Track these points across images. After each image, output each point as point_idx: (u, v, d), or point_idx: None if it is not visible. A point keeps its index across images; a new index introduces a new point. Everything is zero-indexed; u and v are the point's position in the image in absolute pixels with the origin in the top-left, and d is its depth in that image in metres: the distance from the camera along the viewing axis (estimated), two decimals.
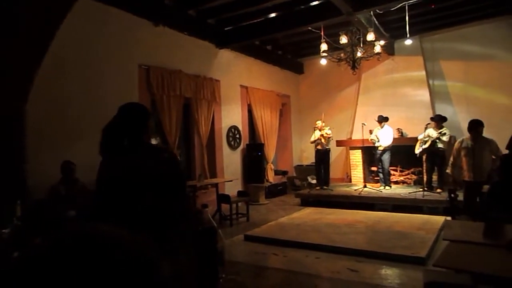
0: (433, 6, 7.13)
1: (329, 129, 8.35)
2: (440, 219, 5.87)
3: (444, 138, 7.07)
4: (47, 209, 3.81)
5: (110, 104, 5.61)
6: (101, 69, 5.63)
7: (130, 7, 6.02)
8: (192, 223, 2.05)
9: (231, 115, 8.59)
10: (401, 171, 8.84)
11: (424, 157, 7.47)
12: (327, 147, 8.41)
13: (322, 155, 8.43)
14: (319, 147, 8.41)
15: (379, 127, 7.99)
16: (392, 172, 8.57)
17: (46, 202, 4.16)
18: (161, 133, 6.84)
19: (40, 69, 4.11)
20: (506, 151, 4.19)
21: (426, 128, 7.22)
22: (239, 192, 7.30)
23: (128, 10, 6.01)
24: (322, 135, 8.29)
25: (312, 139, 8.51)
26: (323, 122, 8.38)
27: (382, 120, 7.93)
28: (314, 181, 9.35)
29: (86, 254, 0.48)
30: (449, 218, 5.27)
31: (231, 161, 8.49)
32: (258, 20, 7.46)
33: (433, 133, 7.12)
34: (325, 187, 8.44)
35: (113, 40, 5.84)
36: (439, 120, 7.21)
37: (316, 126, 8.40)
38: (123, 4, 5.91)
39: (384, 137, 7.87)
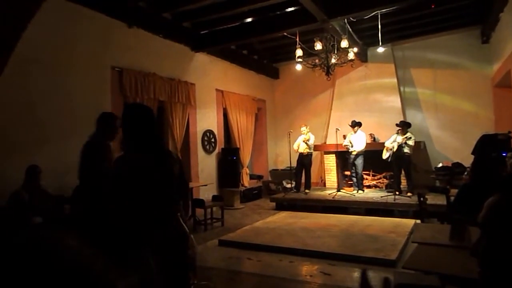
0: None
1: (309, 133, 8.46)
2: (410, 222, 6.03)
3: (410, 142, 7.31)
4: (8, 217, 3.64)
5: (80, 107, 5.52)
6: (71, 71, 5.46)
7: (103, 8, 5.89)
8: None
9: (206, 119, 8.54)
10: (373, 176, 9.03)
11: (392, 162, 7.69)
12: (310, 151, 8.50)
13: (304, 159, 8.48)
14: (300, 151, 8.48)
15: (353, 132, 8.15)
16: (364, 176, 8.74)
17: (8, 209, 3.97)
18: None
19: (4, 70, 3.94)
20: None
21: (397, 134, 7.45)
22: (213, 196, 7.25)
23: (101, 11, 5.87)
24: (304, 140, 8.39)
25: (295, 147, 8.56)
26: (307, 127, 8.49)
27: (356, 125, 8.10)
28: (289, 185, 9.41)
29: (31, 262, 0.47)
30: (418, 221, 5.43)
31: (206, 165, 8.41)
32: (234, 24, 7.46)
33: (399, 138, 7.36)
34: (306, 190, 8.52)
35: (85, 41, 5.68)
36: (403, 126, 7.45)
37: (303, 131, 8.48)
38: (96, 4, 5.77)
39: (358, 142, 8.03)
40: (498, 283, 0.78)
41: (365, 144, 8.05)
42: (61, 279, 0.49)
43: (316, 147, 9.55)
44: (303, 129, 8.47)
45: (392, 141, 7.44)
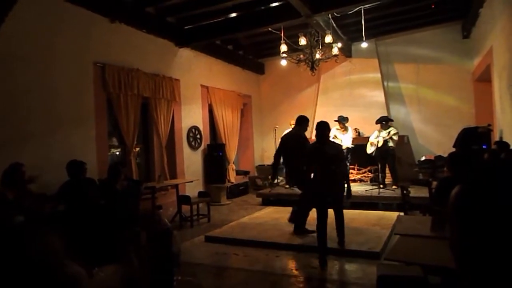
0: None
1: None
2: (394, 214, 6.08)
3: (395, 137, 7.44)
4: None
5: (62, 104, 5.43)
6: (53, 67, 5.34)
7: (85, 2, 5.77)
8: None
9: (192, 115, 8.48)
10: (358, 170, 9.13)
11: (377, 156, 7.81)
12: None
13: None
14: None
15: (338, 127, 8.22)
16: (349, 170, 8.83)
17: None
18: (118, 133, 6.62)
19: None
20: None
21: (380, 130, 7.59)
22: (200, 193, 7.22)
23: (82, 5, 5.75)
24: None
25: None
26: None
27: (344, 120, 8.19)
28: (275, 181, 9.42)
29: None
30: (402, 213, 5.52)
31: (191, 162, 8.37)
32: (219, 19, 7.41)
33: (383, 133, 7.47)
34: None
35: (66, 36, 5.56)
36: (382, 122, 7.60)
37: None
38: None
39: (347, 138, 8.13)
40: (473, 273, 0.81)
41: (351, 139, 8.17)
42: (38, 277, 0.49)
43: None
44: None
45: (376, 136, 7.57)
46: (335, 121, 8.22)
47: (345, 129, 8.14)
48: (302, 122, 5.66)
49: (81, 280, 0.51)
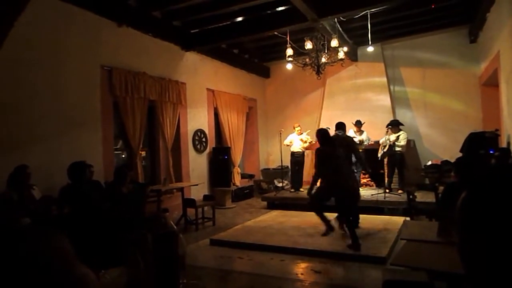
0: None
1: (307, 134, 8.51)
2: (400, 219, 6.07)
3: (401, 142, 7.39)
4: None
5: (69, 107, 5.47)
6: (61, 70, 5.40)
7: (92, 6, 5.83)
8: None
9: (197, 118, 8.51)
10: (363, 174, 9.08)
11: (385, 160, 7.77)
12: (303, 150, 8.55)
13: (299, 158, 8.47)
14: (295, 150, 8.49)
15: (355, 130, 8.30)
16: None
17: None
18: (124, 136, 6.66)
19: None
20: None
21: (387, 132, 7.54)
22: (205, 196, 7.23)
23: (90, 9, 5.82)
24: (301, 139, 8.41)
25: (288, 143, 8.60)
26: (300, 127, 8.55)
27: (360, 124, 8.23)
28: (280, 184, 9.42)
29: None
30: (408, 218, 5.49)
31: (197, 165, 8.39)
32: (225, 23, 7.45)
33: (392, 137, 7.44)
34: (301, 189, 8.48)
35: (73, 40, 5.62)
36: (393, 125, 7.58)
37: (298, 130, 8.52)
38: (86, 3, 5.71)
39: (363, 137, 8.20)
40: (481, 278, 0.80)
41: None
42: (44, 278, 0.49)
43: (307, 146, 9.58)
44: (298, 128, 8.52)
45: (385, 139, 7.55)
46: (353, 123, 8.26)
47: (360, 131, 8.21)
48: (342, 125, 6.28)
49: (90, 282, 0.52)
